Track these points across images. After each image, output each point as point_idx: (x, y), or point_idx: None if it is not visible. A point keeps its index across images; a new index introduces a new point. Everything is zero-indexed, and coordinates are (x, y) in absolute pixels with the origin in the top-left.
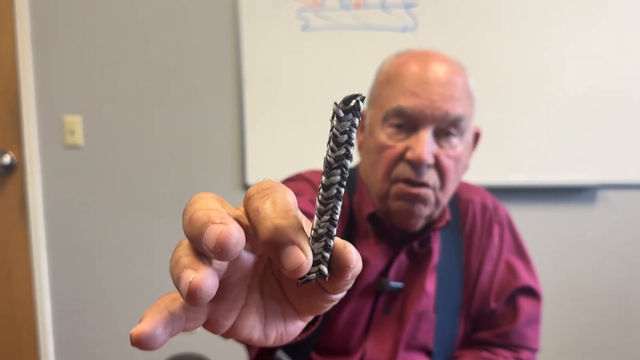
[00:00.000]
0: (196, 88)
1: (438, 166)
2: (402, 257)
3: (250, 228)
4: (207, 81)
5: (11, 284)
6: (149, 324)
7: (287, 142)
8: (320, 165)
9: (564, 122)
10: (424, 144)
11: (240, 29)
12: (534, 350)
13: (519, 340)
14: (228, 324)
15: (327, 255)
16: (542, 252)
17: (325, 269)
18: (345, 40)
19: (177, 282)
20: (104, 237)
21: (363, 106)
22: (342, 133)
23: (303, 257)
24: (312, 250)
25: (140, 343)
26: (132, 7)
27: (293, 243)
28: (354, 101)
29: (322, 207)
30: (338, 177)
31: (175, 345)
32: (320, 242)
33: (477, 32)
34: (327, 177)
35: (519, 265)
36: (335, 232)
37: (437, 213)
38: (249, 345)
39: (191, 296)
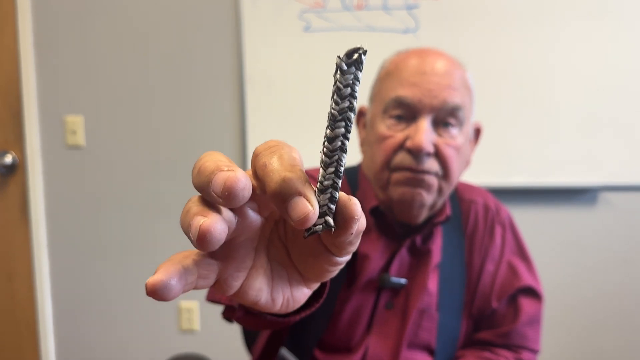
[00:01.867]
0: (198, 89)
1: (439, 155)
2: (404, 253)
3: (257, 188)
4: (209, 82)
5: (12, 283)
6: (164, 273)
7: (288, 141)
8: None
9: (564, 124)
10: (423, 132)
11: (242, 30)
12: (534, 351)
13: (519, 341)
14: (236, 284)
15: (333, 207)
16: (543, 253)
17: (331, 220)
18: (347, 41)
19: (187, 229)
20: (105, 237)
21: (364, 104)
22: (346, 86)
23: (309, 207)
24: (318, 201)
25: (156, 292)
26: (134, 8)
27: (300, 194)
28: (356, 54)
29: (327, 160)
30: (342, 130)
31: (177, 346)
32: (326, 193)
33: (478, 34)
34: (332, 130)
35: (520, 266)
36: (340, 185)
37: (439, 203)
38: (250, 345)
39: (201, 239)
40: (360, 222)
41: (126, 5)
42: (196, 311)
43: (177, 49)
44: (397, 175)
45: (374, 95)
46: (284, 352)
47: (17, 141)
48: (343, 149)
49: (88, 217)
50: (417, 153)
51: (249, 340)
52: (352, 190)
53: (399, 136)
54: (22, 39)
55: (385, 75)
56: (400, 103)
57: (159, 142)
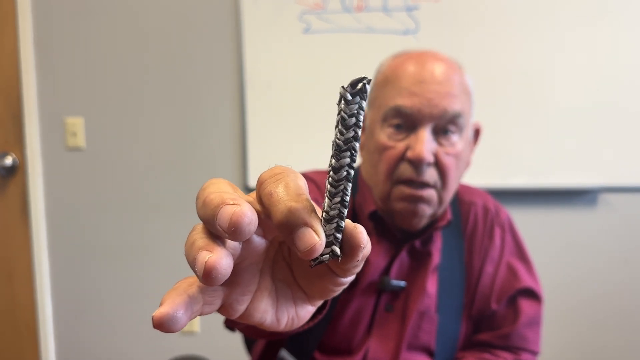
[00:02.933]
0: (198, 90)
1: (438, 164)
2: (404, 256)
3: (262, 213)
4: (209, 83)
5: (12, 284)
6: (170, 306)
7: (288, 144)
8: (322, 167)
9: (565, 125)
10: (424, 142)
11: (242, 31)
12: (534, 352)
13: (519, 342)
14: (242, 308)
15: (339, 236)
16: (543, 254)
17: (337, 250)
18: (346, 43)
19: (192, 263)
20: (105, 239)
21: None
22: (350, 116)
23: (316, 238)
24: (325, 231)
25: (162, 325)
26: (135, 10)
27: (306, 224)
28: (360, 84)
29: (332, 190)
30: (347, 160)
31: (177, 347)
32: (332, 223)
33: (478, 36)
34: (337, 160)
35: (520, 268)
36: (346, 214)
37: (440, 211)
38: (251, 347)
39: (207, 276)
40: (367, 248)
41: (126, 7)
42: None
43: (178, 50)
44: (397, 191)
45: (373, 101)
46: (284, 354)
47: (18, 142)
48: (348, 179)
49: (88, 219)
50: (417, 163)
51: (249, 342)
52: (352, 193)
53: (399, 146)
54: (22, 40)
55: (384, 81)
56: (399, 112)
57: (159, 144)
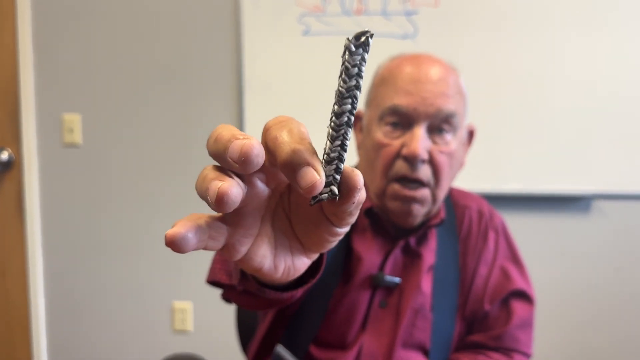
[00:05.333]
0: (196, 89)
1: (432, 162)
2: (398, 253)
3: (267, 160)
4: (207, 83)
5: (6, 280)
6: (182, 227)
7: None
8: None
9: (559, 132)
10: (418, 140)
11: (242, 32)
12: (526, 354)
13: (512, 344)
14: (243, 249)
15: (338, 177)
16: (536, 259)
17: (336, 189)
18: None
19: (205, 192)
20: (100, 236)
21: (361, 107)
22: (353, 66)
23: (317, 176)
24: (325, 172)
25: (174, 242)
26: (134, 10)
27: (308, 164)
28: (364, 37)
29: (334, 133)
30: (349, 106)
31: (170, 346)
32: (332, 165)
33: (476, 41)
34: (340, 106)
35: (513, 270)
36: (345, 157)
37: (434, 210)
38: (246, 345)
39: (219, 201)
40: (361, 193)
41: (126, 7)
42: (190, 311)
43: (177, 49)
44: (391, 190)
45: (370, 101)
46: (280, 348)
47: (14, 138)
48: (349, 124)
49: (83, 216)
50: (412, 160)
51: (244, 339)
52: None
53: (395, 144)
54: (21, 37)
55: (380, 82)
56: (395, 111)
57: (156, 142)
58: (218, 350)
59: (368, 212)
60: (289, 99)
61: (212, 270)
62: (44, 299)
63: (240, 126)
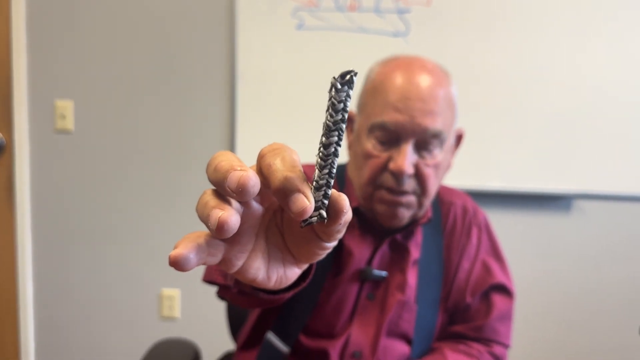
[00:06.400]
0: (190, 80)
1: (418, 175)
2: (385, 248)
3: (261, 183)
4: (201, 74)
5: None
6: (185, 249)
7: (277, 138)
8: (310, 161)
9: (543, 133)
10: (405, 157)
11: (236, 25)
12: (505, 345)
13: (491, 335)
14: (239, 263)
15: (326, 202)
16: (517, 256)
17: (324, 213)
18: (338, 41)
19: (206, 218)
20: (89, 223)
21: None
22: (339, 102)
23: (307, 202)
24: (314, 197)
25: (177, 263)
26: None
27: (299, 191)
28: (348, 76)
29: (322, 163)
30: (335, 138)
31: (158, 333)
32: (320, 191)
33: (465, 41)
34: (327, 138)
35: (494, 265)
36: (332, 184)
37: (420, 213)
38: (236, 333)
39: (220, 229)
40: (348, 214)
41: None
42: (177, 299)
43: (170, 40)
44: (378, 195)
45: (362, 106)
46: (271, 336)
47: (6, 123)
48: (336, 154)
49: (73, 202)
50: (398, 175)
51: (234, 326)
52: (340, 187)
53: (383, 156)
54: (14, 21)
55: (372, 90)
56: (384, 128)
57: (148, 131)
58: (204, 337)
59: (355, 210)
60: (281, 91)
61: (208, 270)
62: (32, 283)
63: (232, 118)
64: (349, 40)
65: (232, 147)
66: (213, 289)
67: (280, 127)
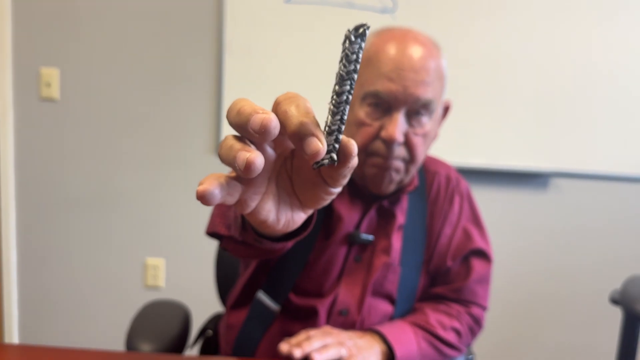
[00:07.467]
0: (177, 50)
1: (407, 143)
2: (372, 213)
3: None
4: (188, 43)
5: None
6: (211, 185)
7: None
8: None
9: (522, 111)
10: (396, 125)
11: None
12: (483, 307)
13: (470, 296)
14: (253, 204)
15: (337, 146)
16: (495, 230)
17: (335, 156)
18: (326, 15)
19: (232, 160)
20: (73, 191)
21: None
22: (352, 53)
23: (320, 145)
24: (326, 141)
25: (204, 197)
26: None
27: (313, 135)
28: (361, 29)
29: (335, 110)
30: (348, 87)
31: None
32: (332, 136)
33: (450, 20)
34: (340, 87)
35: (474, 232)
36: (343, 129)
37: (407, 180)
38: (225, 295)
39: (247, 168)
40: (354, 159)
41: None
42: (162, 268)
43: (158, 8)
44: (370, 161)
45: None
46: (261, 295)
47: None
48: (347, 102)
49: (58, 170)
50: (389, 143)
51: (223, 288)
52: None
53: (375, 125)
54: None
55: (366, 60)
56: (377, 96)
57: (134, 99)
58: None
59: None
60: (268, 63)
61: (212, 223)
62: (16, 251)
63: (219, 88)
64: (336, 14)
65: (218, 121)
66: (197, 258)
67: (267, 99)
